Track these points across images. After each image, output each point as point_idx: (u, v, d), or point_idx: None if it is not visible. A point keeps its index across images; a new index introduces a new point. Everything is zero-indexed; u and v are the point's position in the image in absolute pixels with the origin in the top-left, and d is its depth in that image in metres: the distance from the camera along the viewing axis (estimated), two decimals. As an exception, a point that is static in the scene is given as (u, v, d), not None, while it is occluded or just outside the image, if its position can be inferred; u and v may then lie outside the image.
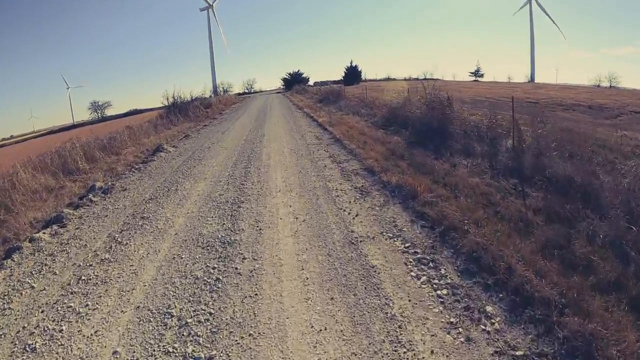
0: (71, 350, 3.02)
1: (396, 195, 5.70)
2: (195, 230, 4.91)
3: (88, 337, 3.15)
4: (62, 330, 3.31)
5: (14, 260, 4.81)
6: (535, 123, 8.37)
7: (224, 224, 4.99)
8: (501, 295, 3.44)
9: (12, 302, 3.82)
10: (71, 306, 3.66)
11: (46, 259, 4.86)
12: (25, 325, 3.44)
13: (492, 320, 3.12)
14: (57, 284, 4.15)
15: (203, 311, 3.27)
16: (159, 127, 19.09)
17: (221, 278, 3.71)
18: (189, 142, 13.19)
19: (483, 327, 3.04)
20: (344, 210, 5.17)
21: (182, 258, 4.22)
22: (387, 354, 2.69)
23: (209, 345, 2.89)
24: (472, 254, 4.05)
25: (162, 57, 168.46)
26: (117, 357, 2.89)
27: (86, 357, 2.93)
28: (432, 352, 2.71)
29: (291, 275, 3.66)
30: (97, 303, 3.65)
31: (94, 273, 4.25)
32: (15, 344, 3.17)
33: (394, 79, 66.68)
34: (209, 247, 4.38)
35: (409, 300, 3.27)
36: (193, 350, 2.85)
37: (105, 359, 2.89)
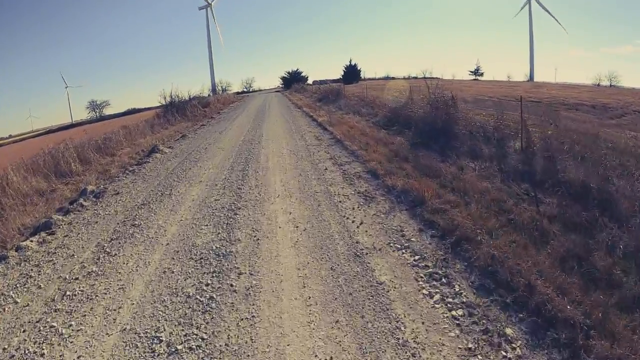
0: (47, 382, 2.70)
1: (402, 201, 5.39)
2: (189, 240, 4.59)
3: (68, 365, 2.84)
4: (44, 354, 3.00)
5: (-2, 271, 4.51)
6: (545, 124, 8.07)
7: (219, 233, 4.67)
8: (521, 315, 3.15)
9: (-8, 320, 3.51)
10: (54, 326, 3.35)
11: (32, 270, 4.55)
12: (6, 346, 3.15)
13: (513, 345, 2.83)
14: (41, 299, 3.84)
15: (195, 336, 2.95)
16: (155, 126, 18.71)
17: (215, 297, 3.39)
18: (186, 142, 12.86)
19: (504, 353, 2.75)
20: (347, 218, 4.85)
21: (173, 272, 3.90)
22: (401, 390, 2.38)
23: (200, 378, 2.57)
24: (487, 268, 3.75)
25: (161, 56, 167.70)
26: (96, 392, 2.57)
27: (63, 391, 2.62)
28: (451, 387, 2.40)
29: (292, 294, 3.35)
30: (81, 323, 3.34)
31: (79, 288, 3.94)
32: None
33: (393, 78, 66.35)
34: (202, 260, 4.05)
35: (422, 323, 2.96)
36: (182, 384, 2.54)
37: (84, 394, 2.57)
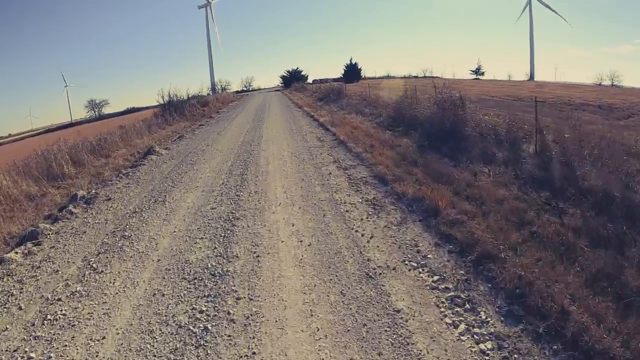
0: None
1: (414, 210, 4.98)
2: (181, 255, 4.17)
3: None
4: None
5: (-22, 289, 4.11)
6: (558, 125, 7.68)
7: (215, 248, 4.25)
8: (555, 347, 2.78)
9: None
10: (32, 358, 2.95)
11: (14, 286, 4.16)
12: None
13: (551, 386, 2.43)
14: (20, 323, 3.45)
15: (186, 378, 2.55)
16: (153, 127, 18.26)
17: (210, 327, 2.97)
18: (183, 143, 12.43)
19: (542, 396, 2.34)
20: (356, 231, 4.43)
21: (163, 295, 3.48)
22: None
23: None
24: (514, 291, 3.37)
25: (160, 55, 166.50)
26: None
27: None
28: None
29: (297, 325, 2.94)
30: (60, 356, 2.94)
31: (62, 311, 3.54)
32: None
33: (393, 77, 65.90)
34: (196, 281, 3.64)
35: (449, 361, 2.56)
36: None
37: None
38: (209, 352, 2.73)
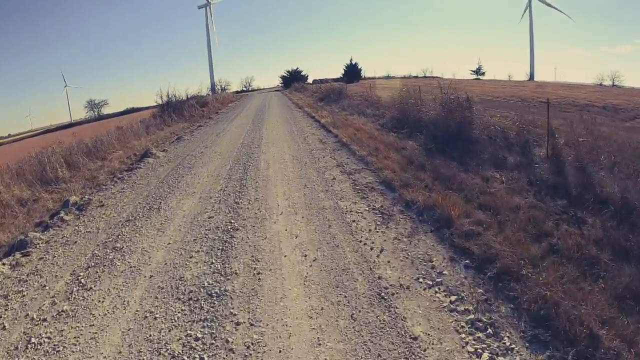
0: None
1: (425, 220, 4.68)
2: (176, 271, 3.85)
3: None
4: None
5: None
6: (571, 128, 7.38)
7: (212, 263, 3.92)
8: (588, 379, 2.46)
9: None
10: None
11: (-1, 302, 3.85)
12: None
13: None
14: (3, 346, 3.16)
15: (178, 421, 2.24)
16: (151, 127, 17.94)
17: (207, 358, 2.66)
18: (181, 145, 12.11)
19: None
20: (365, 244, 4.12)
21: (155, 319, 3.17)
22: None
23: None
24: (538, 312, 3.09)
25: (160, 55, 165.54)
26: None
27: None
28: None
29: (304, 356, 2.62)
30: (40, 388, 2.63)
31: (46, 333, 3.24)
32: None
33: (393, 77, 65.63)
34: (191, 302, 3.32)
35: (476, 401, 2.26)
36: None
37: None
38: (204, 389, 2.42)
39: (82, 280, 4.05)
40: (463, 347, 2.71)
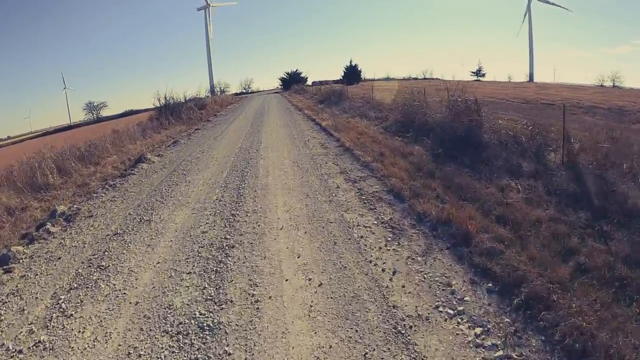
0: None
1: (440, 235, 4.27)
2: (164, 297, 3.43)
3: None
4: None
5: None
6: (591, 132, 6.99)
7: (204, 288, 3.49)
8: None
9: None
10: None
11: (-27, 330, 3.47)
12: None
13: None
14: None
15: None
16: (147, 131, 17.54)
17: (195, 413, 2.25)
18: (177, 149, 11.70)
19: None
20: (375, 264, 3.71)
21: (140, 356, 2.76)
22: None
23: None
24: (573, 346, 2.73)
25: (160, 56, 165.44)
26: None
27: None
28: None
29: (311, 410, 2.21)
30: None
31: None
32: None
33: (393, 79, 65.33)
34: (180, 337, 2.90)
35: None
36: None
37: None
38: None
39: (63, 305, 3.65)
40: (496, 395, 2.31)
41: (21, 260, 5.00)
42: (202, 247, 4.34)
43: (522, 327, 2.93)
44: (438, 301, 3.15)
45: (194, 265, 3.92)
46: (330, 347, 2.66)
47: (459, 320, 2.95)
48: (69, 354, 2.96)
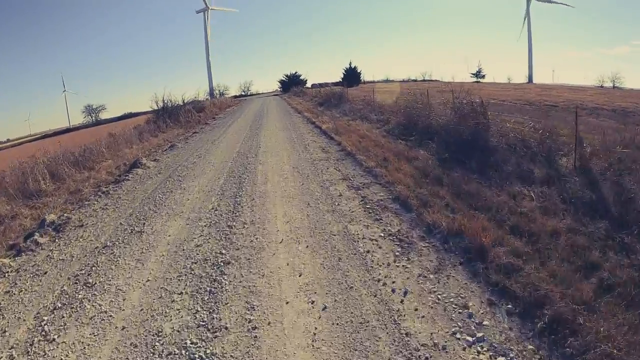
0: None
1: (452, 249, 3.98)
2: (153, 322, 3.12)
3: None
4: None
5: None
6: (602, 136, 6.70)
7: (197, 312, 3.18)
8: None
9: None
10: None
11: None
12: None
13: None
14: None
15: None
16: (144, 134, 17.26)
17: None
18: (173, 154, 11.40)
19: None
20: (384, 284, 3.40)
21: (122, 395, 2.45)
22: None
23: None
24: (605, 377, 2.40)
25: (160, 59, 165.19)
26: None
27: None
28: None
29: None
30: None
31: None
32: None
33: (393, 81, 65.14)
34: (169, 371, 2.60)
35: None
36: None
37: None
38: None
39: (46, 328, 3.36)
40: None
41: (7, 274, 4.73)
42: (195, 262, 4.02)
43: (547, 354, 2.65)
44: (455, 326, 2.85)
45: (186, 285, 3.60)
46: (338, 384, 2.35)
47: (479, 348, 2.65)
48: (46, 388, 2.66)
